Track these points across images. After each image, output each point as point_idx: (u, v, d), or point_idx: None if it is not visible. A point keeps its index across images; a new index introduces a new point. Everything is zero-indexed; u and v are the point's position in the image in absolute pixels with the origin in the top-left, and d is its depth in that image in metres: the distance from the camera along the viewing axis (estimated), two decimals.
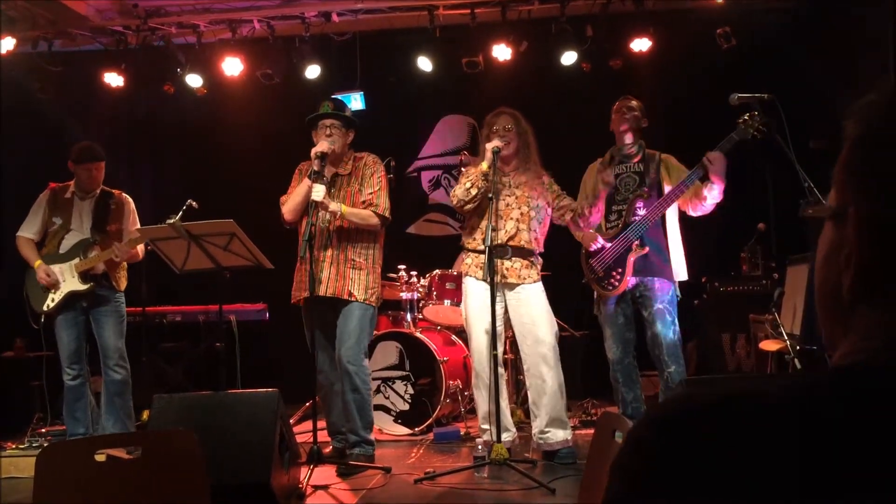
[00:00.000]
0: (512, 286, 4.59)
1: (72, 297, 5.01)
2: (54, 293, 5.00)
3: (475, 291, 4.59)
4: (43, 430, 5.34)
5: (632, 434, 0.67)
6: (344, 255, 4.56)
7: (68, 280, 5.01)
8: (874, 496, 0.57)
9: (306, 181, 4.44)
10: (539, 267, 4.67)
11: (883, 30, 5.20)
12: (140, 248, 5.13)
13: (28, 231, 5.15)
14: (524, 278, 4.57)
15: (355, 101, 6.85)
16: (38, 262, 5.02)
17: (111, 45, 6.90)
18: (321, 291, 4.50)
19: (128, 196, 5.34)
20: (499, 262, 4.54)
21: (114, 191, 5.30)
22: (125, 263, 5.18)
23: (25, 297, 5.11)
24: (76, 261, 5.02)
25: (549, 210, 4.70)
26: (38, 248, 5.13)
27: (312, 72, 6.77)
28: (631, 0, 6.36)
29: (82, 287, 5.00)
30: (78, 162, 5.12)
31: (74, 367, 5.02)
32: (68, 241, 5.09)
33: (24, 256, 5.11)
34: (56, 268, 5.00)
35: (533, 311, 4.55)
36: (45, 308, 5.01)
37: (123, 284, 5.20)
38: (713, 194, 4.40)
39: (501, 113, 4.67)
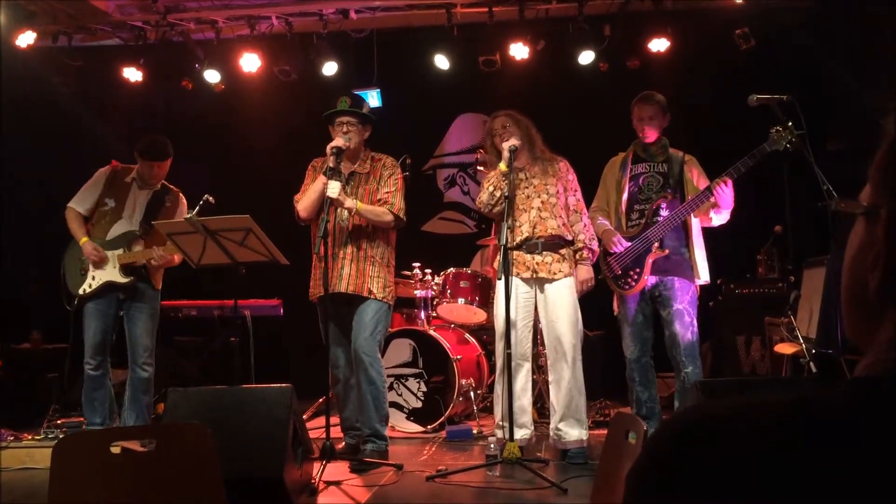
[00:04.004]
0: (542, 282, 4.58)
1: (109, 286, 4.97)
2: (93, 279, 4.96)
3: (504, 290, 4.58)
4: (59, 422, 5.36)
5: (649, 445, 0.67)
6: (363, 253, 4.57)
7: (109, 269, 4.96)
8: None
9: (321, 178, 4.44)
10: (571, 260, 4.62)
11: None
12: (179, 255, 4.91)
13: (80, 205, 5.07)
14: (555, 273, 4.55)
15: (372, 99, 6.87)
16: (84, 239, 4.95)
17: (130, 41, 6.94)
18: (342, 288, 4.51)
19: (183, 196, 5.26)
20: (529, 257, 4.55)
21: (172, 187, 5.25)
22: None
23: (62, 274, 5.05)
24: (120, 251, 4.98)
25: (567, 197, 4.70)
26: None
27: (330, 69, 6.78)
28: None
29: (122, 280, 4.96)
30: (142, 157, 5.07)
31: (97, 358, 4.95)
32: (116, 229, 5.03)
33: (70, 229, 5.02)
34: None
35: (558, 310, 4.54)
36: (81, 291, 4.96)
37: (160, 283, 5.14)
38: (719, 217, 4.54)
39: (496, 116, 4.72)
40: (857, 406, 0.61)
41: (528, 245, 4.55)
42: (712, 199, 4.42)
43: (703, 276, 4.62)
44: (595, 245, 4.66)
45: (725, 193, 4.37)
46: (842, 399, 0.62)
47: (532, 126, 4.70)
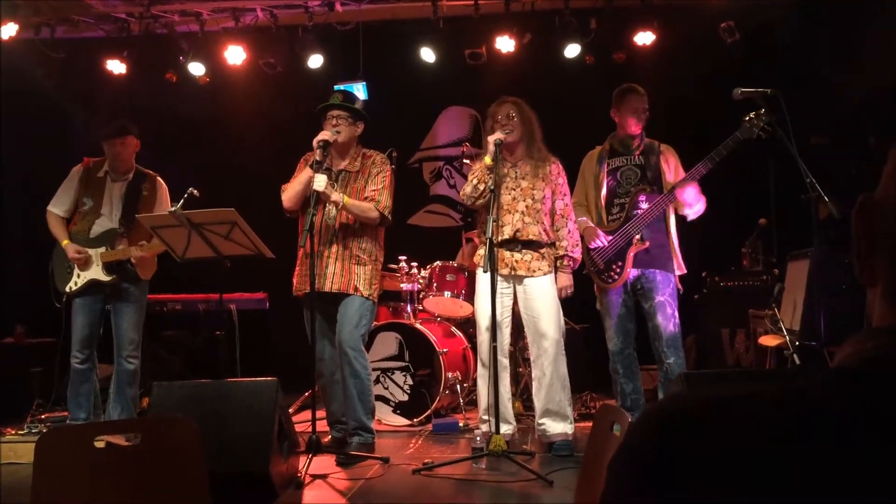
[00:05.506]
0: (521, 279, 4.59)
1: (94, 284, 4.96)
2: (78, 277, 4.95)
3: (485, 283, 4.58)
4: (42, 416, 5.33)
5: (629, 436, 0.67)
6: (349, 252, 4.56)
7: (92, 268, 4.95)
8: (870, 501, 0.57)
9: (308, 170, 4.43)
10: (551, 258, 4.64)
11: (888, 25, 5.18)
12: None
13: (58, 208, 5.07)
14: (534, 271, 4.56)
15: (357, 92, 6.84)
16: (66, 242, 4.96)
17: (114, 33, 6.88)
18: (326, 287, 4.50)
19: (162, 180, 5.22)
20: (508, 254, 4.55)
21: (148, 171, 5.20)
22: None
23: (50, 273, 5.06)
24: (103, 249, 4.96)
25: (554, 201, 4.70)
26: (66, 224, 5.06)
27: (315, 61, 6.76)
28: None
29: (105, 278, 4.94)
30: (104, 140, 5.04)
31: (84, 352, 4.95)
32: (98, 228, 5.01)
33: (52, 233, 5.04)
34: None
35: (539, 305, 4.55)
36: (67, 289, 4.96)
37: (150, 273, 5.12)
38: (692, 212, 4.62)
39: (504, 101, 4.65)
40: (837, 398, 0.61)
41: (508, 244, 4.56)
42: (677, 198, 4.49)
43: (680, 268, 4.65)
44: (577, 253, 4.66)
45: (686, 193, 4.45)
46: (822, 391, 0.63)
47: (536, 120, 4.66)
